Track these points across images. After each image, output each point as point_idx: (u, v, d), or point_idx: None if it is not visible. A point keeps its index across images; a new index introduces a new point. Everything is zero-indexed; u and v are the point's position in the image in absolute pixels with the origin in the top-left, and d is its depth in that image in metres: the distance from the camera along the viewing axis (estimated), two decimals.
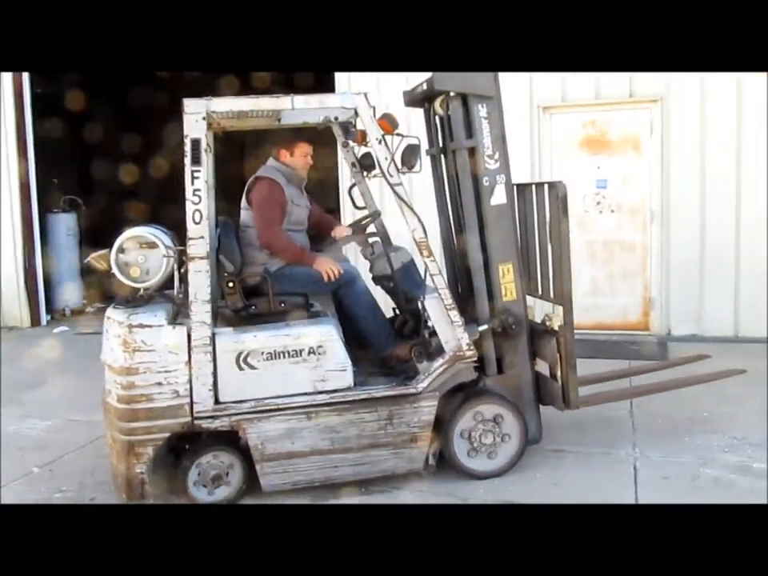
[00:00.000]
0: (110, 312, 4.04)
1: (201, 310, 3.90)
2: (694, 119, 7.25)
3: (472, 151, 4.28)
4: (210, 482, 4.02)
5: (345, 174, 7.72)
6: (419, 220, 4.12)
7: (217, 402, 3.95)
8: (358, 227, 4.58)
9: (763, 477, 4.17)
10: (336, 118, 4.39)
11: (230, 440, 4.06)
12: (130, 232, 4.04)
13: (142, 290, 4.07)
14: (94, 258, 4.10)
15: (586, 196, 7.62)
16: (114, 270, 3.98)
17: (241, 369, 3.97)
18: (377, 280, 4.64)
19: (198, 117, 3.84)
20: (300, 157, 4.44)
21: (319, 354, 4.04)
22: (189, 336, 3.90)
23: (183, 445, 4.08)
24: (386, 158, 4.02)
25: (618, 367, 5.54)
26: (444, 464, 4.29)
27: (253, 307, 4.24)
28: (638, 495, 4.03)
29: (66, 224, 10.16)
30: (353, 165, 4.78)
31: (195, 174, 3.85)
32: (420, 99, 4.56)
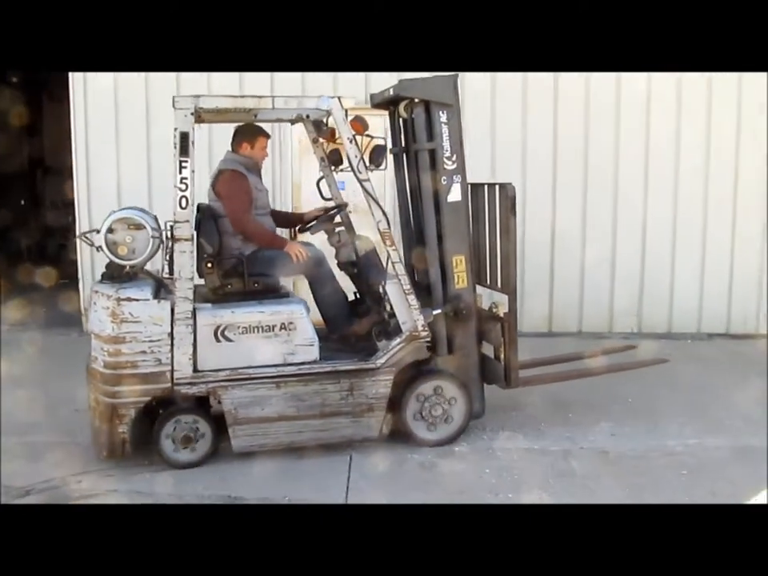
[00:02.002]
0: (97, 286, 4.42)
1: (184, 286, 4.31)
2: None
3: (432, 152, 4.75)
4: (181, 443, 4.44)
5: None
6: (384, 213, 4.59)
7: (195, 370, 4.36)
8: (325, 217, 5.02)
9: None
10: (308, 116, 4.84)
11: (202, 406, 4.50)
12: (119, 214, 4.43)
13: (127, 268, 4.45)
14: (85, 236, 4.47)
15: None
16: (103, 248, 4.36)
17: (218, 341, 4.39)
18: (341, 266, 5.08)
19: (187, 112, 4.24)
20: (260, 149, 4.85)
21: (289, 329, 4.48)
22: (172, 310, 4.31)
23: (158, 410, 4.49)
24: (356, 156, 4.47)
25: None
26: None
27: (229, 286, 4.67)
28: None
29: None
30: (321, 159, 5.21)
31: (183, 164, 4.25)
32: (386, 102, 5.01)
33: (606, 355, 5.61)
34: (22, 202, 13.00)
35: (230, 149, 4.89)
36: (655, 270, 7.92)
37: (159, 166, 7.68)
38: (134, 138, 7.80)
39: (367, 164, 4.56)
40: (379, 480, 4.34)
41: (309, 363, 4.52)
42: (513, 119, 7.70)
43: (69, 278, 9.24)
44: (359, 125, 4.49)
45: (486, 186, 4.95)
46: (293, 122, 4.97)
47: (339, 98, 4.43)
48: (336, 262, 5.09)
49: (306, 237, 5.22)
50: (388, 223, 4.61)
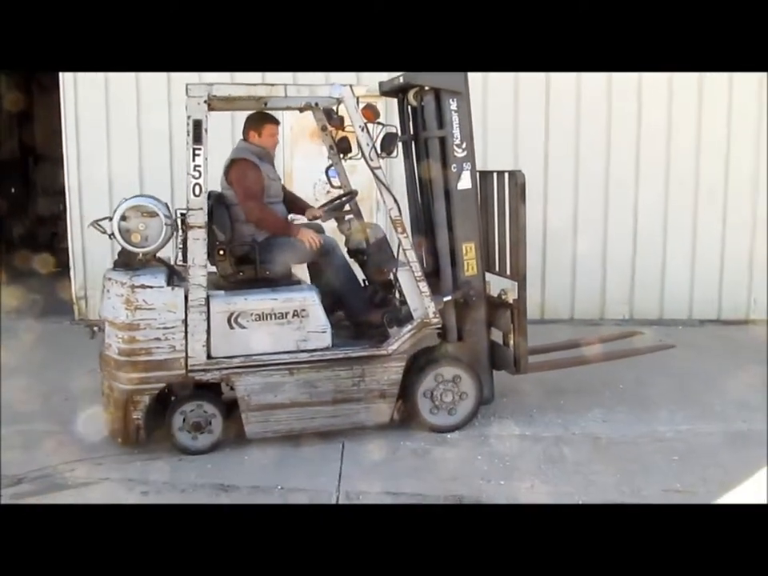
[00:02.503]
0: (110, 273, 4.41)
1: (197, 273, 4.32)
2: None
3: (442, 140, 4.78)
4: (193, 429, 4.46)
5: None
6: (395, 200, 4.61)
7: (209, 357, 4.38)
8: (335, 205, 5.03)
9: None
10: (317, 104, 4.85)
11: (214, 393, 4.54)
12: (131, 201, 4.41)
13: (141, 255, 4.45)
14: (97, 223, 4.45)
15: None
16: (116, 235, 4.35)
17: (232, 328, 4.41)
18: (352, 253, 5.10)
19: (200, 100, 4.23)
20: (267, 137, 4.84)
21: (302, 316, 4.50)
22: (186, 297, 4.32)
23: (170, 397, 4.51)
24: (368, 144, 4.49)
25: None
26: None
27: (241, 274, 4.68)
28: None
29: None
30: (330, 147, 5.22)
31: (196, 152, 4.25)
32: (395, 90, 5.04)
33: (612, 341, 5.70)
34: (13, 190, 12.83)
35: (242, 137, 4.89)
36: (646, 257, 8.02)
37: (150, 154, 7.72)
38: (124, 127, 7.75)
39: (378, 152, 4.58)
40: (372, 468, 4.36)
41: (321, 350, 4.55)
42: (505, 110, 7.75)
43: (61, 266, 9.19)
44: (370, 113, 4.50)
45: (495, 174, 4.99)
46: (301, 109, 4.96)
47: (351, 86, 4.44)
48: (346, 249, 5.10)
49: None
50: (399, 211, 4.63)
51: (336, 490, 4.07)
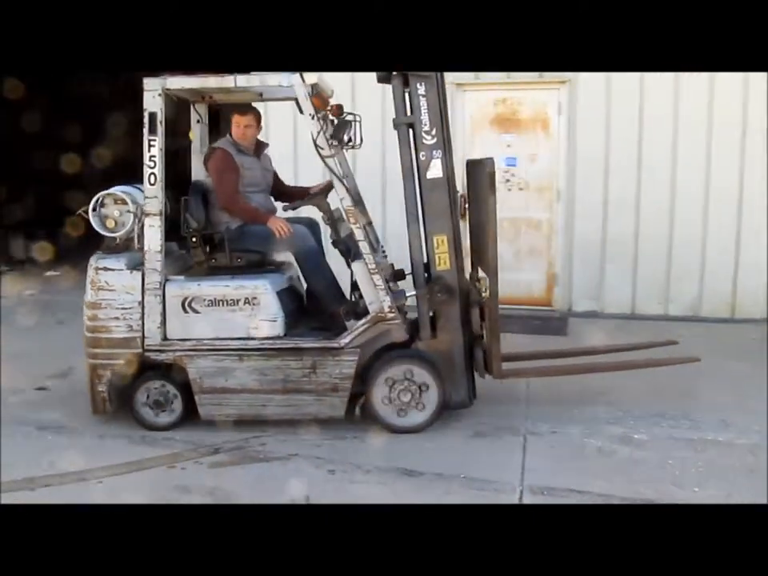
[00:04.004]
0: (91, 257, 4.80)
1: (153, 258, 4.56)
2: (600, 101, 7.19)
3: (411, 127, 4.57)
4: (155, 407, 4.70)
5: None
6: (347, 190, 4.50)
7: (165, 338, 4.60)
8: (312, 195, 5.00)
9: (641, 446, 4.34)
10: (261, 94, 4.94)
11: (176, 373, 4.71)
12: (108, 190, 4.76)
13: (117, 240, 4.79)
14: (83, 212, 4.85)
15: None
16: (93, 221, 4.73)
17: (186, 312, 4.59)
18: (334, 244, 5.04)
19: (155, 93, 4.45)
20: (235, 128, 4.91)
21: (254, 304, 4.57)
22: (143, 280, 4.58)
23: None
24: (317, 133, 4.43)
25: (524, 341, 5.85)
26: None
27: (213, 260, 4.85)
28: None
29: None
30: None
31: (152, 143, 4.48)
32: (384, 78, 4.87)
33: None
34: None
35: None
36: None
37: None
38: None
39: (336, 142, 4.49)
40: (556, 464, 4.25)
41: (272, 338, 4.57)
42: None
43: None
44: (320, 101, 4.43)
45: (465, 162, 4.67)
46: (290, 100, 4.98)
47: (301, 74, 4.40)
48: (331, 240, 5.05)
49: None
50: (352, 201, 4.51)
51: (519, 483, 4.01)
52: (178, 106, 4.96)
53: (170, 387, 4.68)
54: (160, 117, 4.47)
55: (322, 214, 5.01)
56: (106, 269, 4.61)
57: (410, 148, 4.61)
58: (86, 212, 4.82)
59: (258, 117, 4.96)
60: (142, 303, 4.58)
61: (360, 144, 4.67)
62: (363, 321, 4.55)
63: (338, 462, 4.27)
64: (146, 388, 4.69)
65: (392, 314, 4.53)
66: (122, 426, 4.76)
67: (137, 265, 4.64)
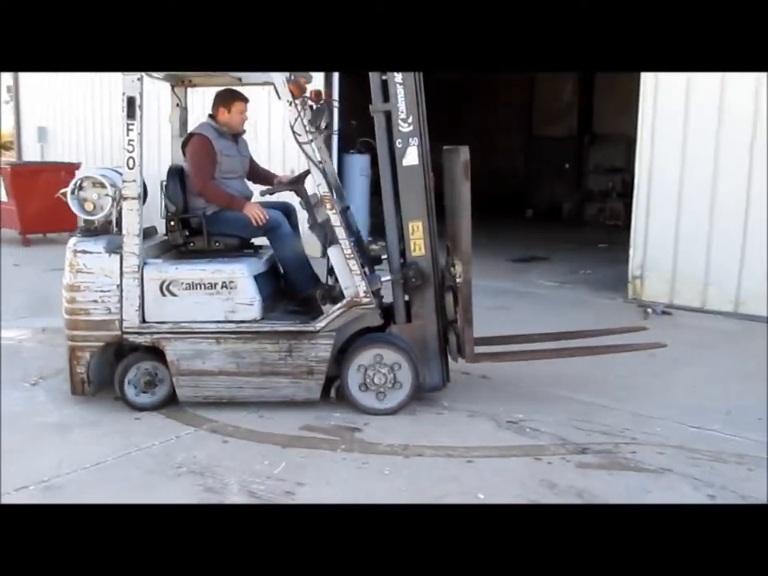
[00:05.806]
0: (69, 240, 4.84)
1: (131, 242, 4.60)
2: None
3: (388, 114, 4.63)
4: (143, 386, 4.76)
5: None
6: (324, 176, 4.56)
7: (143, 321, 4.65)
8: (288, 181, 5.06)
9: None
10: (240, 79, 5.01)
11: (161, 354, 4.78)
12: (85, 173, 4.80)
13: (96, 222, 4.83)
14: (63, 194, 4.88)
15: None
16: (72, 203, 4.76)
17: (164, 295, 4.64)
18: (311, 228, 5.10)
19: (134, 78, 4.48)
20: (236, 114, 4.97)
21: (231, 288, 4.63)
22: (121, 263, 4.63)
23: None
24: (294, 119, 4.48)
25: None
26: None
27: (191, 244, 4.90)
28: None
29: (359, 165, 10.61)
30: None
31: (130, 127, 4.52)
32: None
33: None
34: (567, 166, 14.59)
35: (209, 113, 5.07)
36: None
37: None
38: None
39: (311, 128, 4.55)
40: None
41: (248, 322, 4.64)
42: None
43: (609, 242, 10.83)
44: (296, 88, 4.47)
45: (447, 151, 4.74)
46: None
47: None
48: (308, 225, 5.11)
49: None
50: (329, 187, 4.57)
51: None
52: None
53: (158, 368, 4.73)
54: (139, 101, 4.51)
55: (299, 199, 5.07)
56: (84, 252, 4.65)
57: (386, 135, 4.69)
58: (65, 194, 4.86)
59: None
60: (120, 286, 4.62)
61: (336, 130, 4.73)
62: (339, 305, 4.63)
63: (718, 487, 3.80)
64: (125, 368, 4.74)
65: (367, 299, 4.61)
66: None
67: (115, 248, 4.68)
